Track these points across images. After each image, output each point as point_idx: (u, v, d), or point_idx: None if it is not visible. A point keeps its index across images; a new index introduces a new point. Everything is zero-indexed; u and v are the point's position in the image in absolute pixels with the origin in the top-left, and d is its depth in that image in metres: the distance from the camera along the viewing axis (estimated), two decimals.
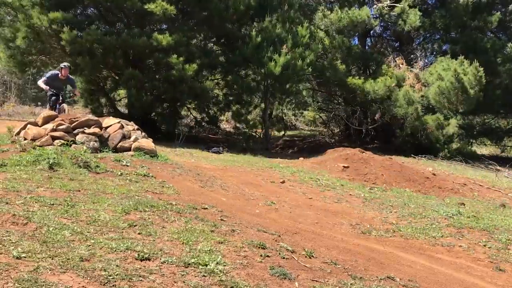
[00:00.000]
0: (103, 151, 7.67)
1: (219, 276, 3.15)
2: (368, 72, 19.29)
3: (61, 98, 10.51)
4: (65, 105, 10.52)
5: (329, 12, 17.46)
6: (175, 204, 4.98)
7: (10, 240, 3.24)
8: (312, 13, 18.35)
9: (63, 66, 10.58)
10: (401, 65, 17.51)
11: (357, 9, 17.50)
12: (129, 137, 8.25)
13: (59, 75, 10.51)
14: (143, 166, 7.02)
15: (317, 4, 18.96)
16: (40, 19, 13.91)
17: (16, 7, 14.91)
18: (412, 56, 18.62)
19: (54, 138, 7.47)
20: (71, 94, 11.41)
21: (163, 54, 14.30)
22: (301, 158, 13.08)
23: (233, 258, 3.55)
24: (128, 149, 8.06)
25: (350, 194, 8.58)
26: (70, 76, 11.07)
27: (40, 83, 10.51)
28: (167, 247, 3.59)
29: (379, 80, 16.67)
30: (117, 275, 2.94)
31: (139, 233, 3.83)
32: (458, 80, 14.85)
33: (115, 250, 3.35)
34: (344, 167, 10.76)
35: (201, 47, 16.95)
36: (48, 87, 10.34)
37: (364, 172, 10.49)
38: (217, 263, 3.35)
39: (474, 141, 20.59)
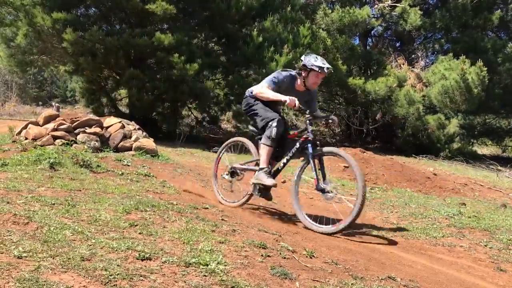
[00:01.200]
0: (104, 151, 7.68)
1: (220, 276, 3.15)
2: (369, 72, 19.29)
3: (310, 130, 5.47)
4: (343, 153, 5.23)
5: (330, 11, 17.47)
6: (176, 204, 4.98)
7: (11, 239, 3.24)
8: (314, 13, 18.35)
9: (317, 69, 5.30)
10: (402, 65, 17.51)
11: (358, 9, 17.51)
12: (130, 137, 8.26)
13: (298, 82, 5.50)
14: (144, 166, 7.03)
15: (318, 3, 18.95)
16: (43, 18, 13.92)
17: (17, 7, 14.93)
18: (413, 56, 18.63)
19: (55, 137, 7.49)
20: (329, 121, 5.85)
21: (164, 53, 14.32)
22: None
23: (234, 258, 3.55)
24: (129, 148, 8.07)
25: (350, 194, 8.57)
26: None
27: (264, 89, 5.52)
28: (168, 246, 3.59)
29: (380, 80, 16.67)
30: (118, 274, 2.94)
31: (140, 233, 3.83)
32: (464, 79, 14.86)
33: (116, 250, 3.35)
34: (345, 167, 10.73)
35: (202, 47, 16.96)
36: (284, 96, 5.25)
37: (365, 172, 10.48)
38: (218, 263, 3.35)
39: (475, 141, 20.59)
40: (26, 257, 2.99)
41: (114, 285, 2.81)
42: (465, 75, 14.83)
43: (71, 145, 7.29)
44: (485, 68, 14.95)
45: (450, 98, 15.38)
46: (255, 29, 15.76)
